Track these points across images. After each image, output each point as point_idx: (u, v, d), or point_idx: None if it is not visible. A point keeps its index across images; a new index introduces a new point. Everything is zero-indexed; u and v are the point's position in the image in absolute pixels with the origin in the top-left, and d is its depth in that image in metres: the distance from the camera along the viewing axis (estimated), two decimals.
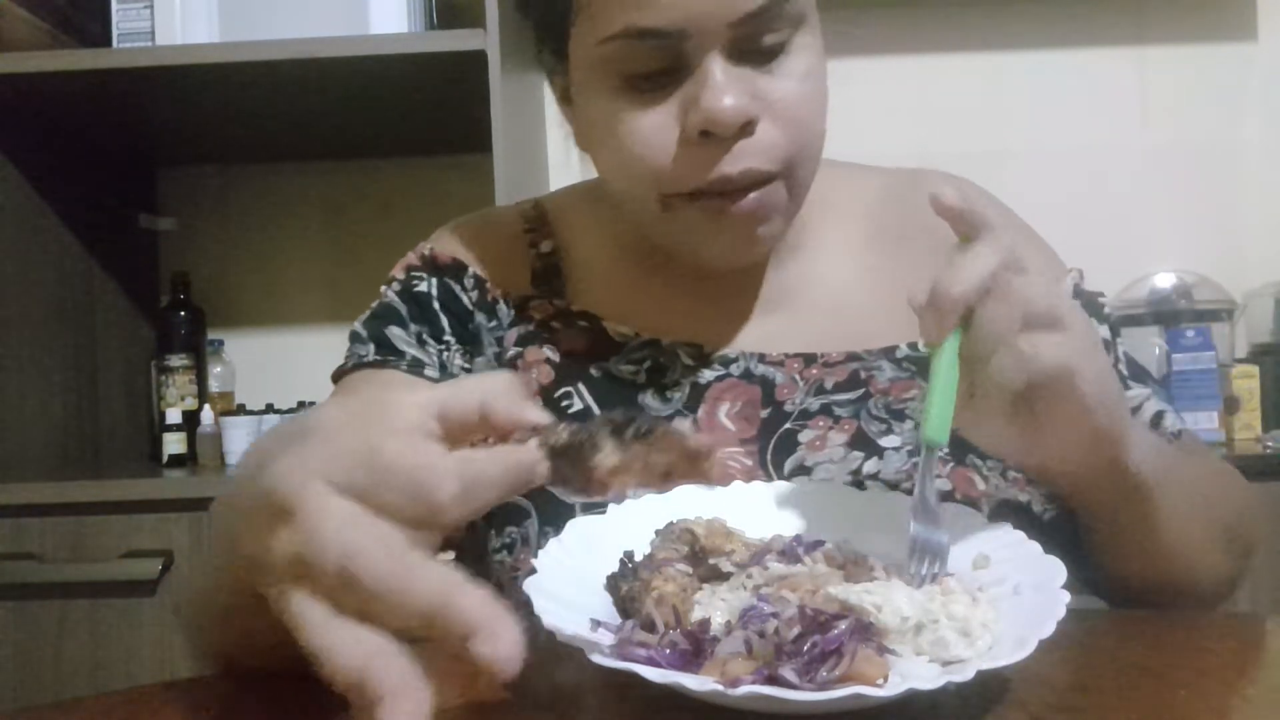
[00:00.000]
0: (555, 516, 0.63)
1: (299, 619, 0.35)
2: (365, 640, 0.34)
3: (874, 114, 2.01)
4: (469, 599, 0.33)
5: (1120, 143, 2.01)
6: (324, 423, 0.39)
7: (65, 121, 1.71)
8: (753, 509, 0.57)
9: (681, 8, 0.61)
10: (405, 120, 1.80)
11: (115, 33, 1.58)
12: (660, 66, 0.64)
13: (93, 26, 1.69)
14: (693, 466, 0.43)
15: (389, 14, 1.53)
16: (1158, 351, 1.73)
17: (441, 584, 0.34)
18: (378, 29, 1.53)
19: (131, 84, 1.54)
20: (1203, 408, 1.62)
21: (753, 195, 0.65)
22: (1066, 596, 0.45)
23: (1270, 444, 1.55)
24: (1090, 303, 0.76)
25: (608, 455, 0.41)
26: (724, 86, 0.62)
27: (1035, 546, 0.51)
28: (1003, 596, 0.47)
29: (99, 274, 1.85)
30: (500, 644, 0.33)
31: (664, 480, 0.43)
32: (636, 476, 0.42)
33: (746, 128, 0.64)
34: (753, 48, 0.63)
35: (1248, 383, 1.65)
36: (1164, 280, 1.89)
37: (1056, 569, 0.48)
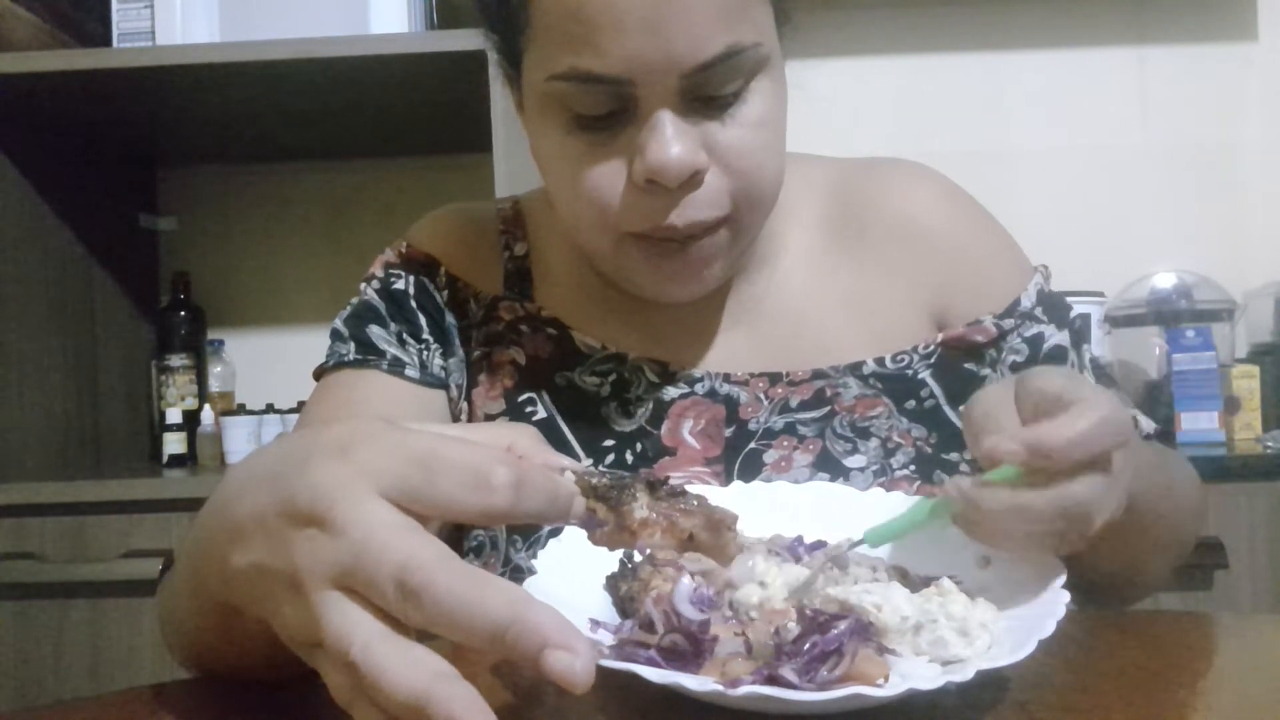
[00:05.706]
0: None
1: (343, 633, 0.33)
2: (424, 661, 0.33)
3: (874, 113, 2.01)
4: (540, 614, 0.32)
5: (1120, 143, 2.00)
6: (362, 433, 0.37)
7: (65, 121, 1.70)
8: (752, 509, 0.57)
9: (629, 56, 0.59)
10: (405, 120, 1.79)
11: (115, 33, 1.58)
12: (609, 109, 0.62)
13: (93, 26, 1.69)
14: (715, 536, 0.44)
15: (389, 14, 1.53)
16: (1158, 351, 1.73)
17: (512, 598, 0.33)
18: (378, 29, 1.53)
19: (131, 84, 1.54)
20: (1203, 408, 1.61)
21: (696, 242, 0.65)
22: (1066, 596, 0.45)
23: (1270, 444, 1.54)
24: (1056, 305, 0.75)
25: (641, 507, 0.42)
26: (671, 139, 0.60)
27: None
28: (1003, 596, 0.47)
29: (99, 274, 1.85)
30: (577, 659, 0.32)
31: (685, 544, 0.44)
32: (662, 534, 0.43)
33: (694, 178, 0.62)
34: (705, 95, 0.62)
35: (1248, 383, 1.65)
36: (1164, 280, 1.89)
37: (1056, 569, 0.48)
